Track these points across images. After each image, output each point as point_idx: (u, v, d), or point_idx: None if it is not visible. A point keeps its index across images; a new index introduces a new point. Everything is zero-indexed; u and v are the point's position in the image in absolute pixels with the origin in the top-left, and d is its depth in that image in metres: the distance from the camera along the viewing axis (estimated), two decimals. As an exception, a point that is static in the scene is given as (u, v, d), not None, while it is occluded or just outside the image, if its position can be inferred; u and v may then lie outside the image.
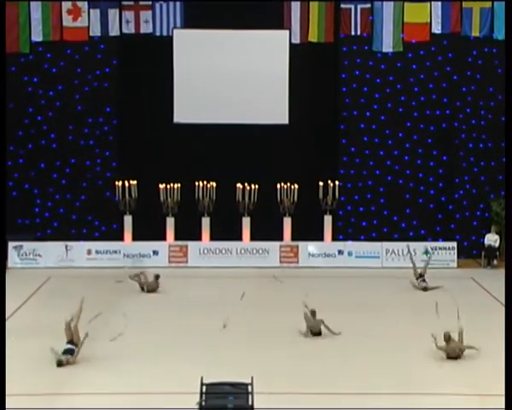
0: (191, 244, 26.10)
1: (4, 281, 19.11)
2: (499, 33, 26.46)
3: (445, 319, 18.14)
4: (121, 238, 26.16)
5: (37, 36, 26.86)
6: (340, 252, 26.01)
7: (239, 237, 26.34)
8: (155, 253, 25.85)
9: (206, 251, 26.11)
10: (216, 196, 26.42)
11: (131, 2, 27.07)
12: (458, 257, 26.26)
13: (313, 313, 18.13)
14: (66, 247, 25.80)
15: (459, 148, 27.59)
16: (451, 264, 26.13)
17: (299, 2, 26.97)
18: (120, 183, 26.33)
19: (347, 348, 17.14)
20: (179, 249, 26.09)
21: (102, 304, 19.47)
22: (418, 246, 26.14)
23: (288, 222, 26.44)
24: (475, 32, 27.07)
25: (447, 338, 16.44)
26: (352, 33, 27.15)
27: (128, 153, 27.31)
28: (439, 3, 26.86)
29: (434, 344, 16.46)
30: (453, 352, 16.41)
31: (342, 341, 17.56)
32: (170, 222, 26.37)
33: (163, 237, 26.27)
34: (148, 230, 25.82)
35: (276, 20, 27.05)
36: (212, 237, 26.28)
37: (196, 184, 26.38)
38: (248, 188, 26.40)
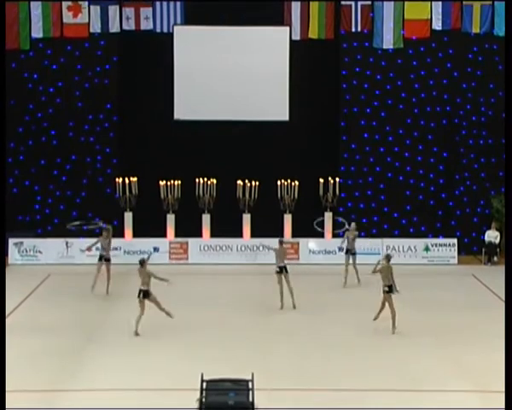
0: (191, 241, 26.11)
1: (4, 278, 19.10)
2: (500, 30, 26.44)
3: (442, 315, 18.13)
4: (122, 235, 26.14)
5: (37, 32, 26.85)
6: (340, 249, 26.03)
7: (239, 234, 26.35)
8: (156, 249, 25.82)
9: (206, 248, 26.12)
10: (216, 192, 26.40)
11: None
12: (459, 254, 26.25)
13: (281, 241, 20.38)
14: (67, 244, 25.82)
15: (459, 144, 27.57)
16: (452, 260, 26.12)
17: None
18: (121, 179, 26.32)
19: (348, 344, 17.14)
20: (180, 246, 26.10)
21: (100, 303, 19.46)
22: (419, 243, 26.18)
23: (288, 219, 26.43)
24: (476, 29, 27.04)
25: (388, 259, 18.05)
26: (353, 30, 27.14)
27: (128, 150, 27.31)
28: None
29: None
30: (385, 271, 17.80)
31: (343, 338, 17.56)
32: (170, 219, 26.38)
33: (163, 234, 26.27)
34: (149, 227, 25.82)
35: (277, 17, 27.04)
36: (213, 234, 26.29)
37: (197, 180, 26.38)
38: (249, 185, 26.38)
